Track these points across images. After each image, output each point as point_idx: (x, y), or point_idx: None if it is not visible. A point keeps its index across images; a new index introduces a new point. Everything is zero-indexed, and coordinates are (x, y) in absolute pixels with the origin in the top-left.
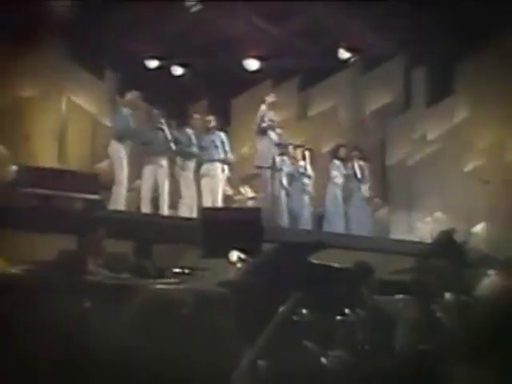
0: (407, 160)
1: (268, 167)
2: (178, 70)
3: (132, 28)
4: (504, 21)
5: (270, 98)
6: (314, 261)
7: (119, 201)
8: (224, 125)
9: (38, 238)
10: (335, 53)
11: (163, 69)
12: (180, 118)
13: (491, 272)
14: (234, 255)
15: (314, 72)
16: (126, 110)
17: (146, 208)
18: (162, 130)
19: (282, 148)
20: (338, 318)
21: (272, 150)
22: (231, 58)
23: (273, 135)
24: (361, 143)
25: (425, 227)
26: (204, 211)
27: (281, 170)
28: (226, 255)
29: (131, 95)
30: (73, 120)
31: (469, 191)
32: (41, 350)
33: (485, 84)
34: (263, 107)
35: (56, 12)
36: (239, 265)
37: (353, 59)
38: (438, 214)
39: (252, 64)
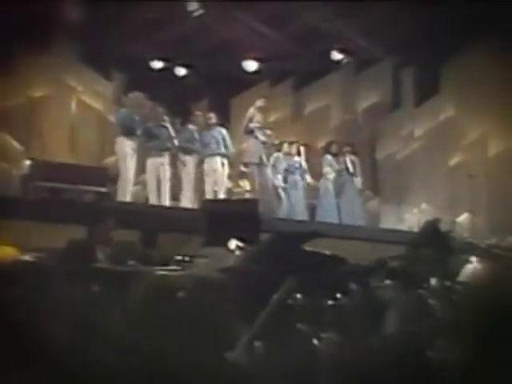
0: (396, 155)
1: (255, 163)
2: (181, 71)
3: (138, 31)
4: (486, 26)
5: (259, 103)
6: (308, 249)
7: (125, 193)
8: (224, 122)
9: (50, 228)
10: (328, 55)
11: (167, 70)
12: (183, 116)
13: (473, 259)
14: (233, 244)
15: (308, 73)
16: (129, 109)
17: (153, 200)
18: (166, 127)
19: (269, 147)
20: (330, 302)
21: (259, 148)
22: (231, 59)
23: (260, 135)
24: (353, 139)
25: (412, 218)
26: (205, 202)
27: (274, 166)
28: (225, 244)
29: (133, 95)
30: (82, 118)
31: (453, 184)
32: (52, 331)
33: (468, 85)
34: (252, 110)
35: (67, 16)
36: (238, 253)
37: (345, 61)
38: (425, 206)
39: (251, 65)
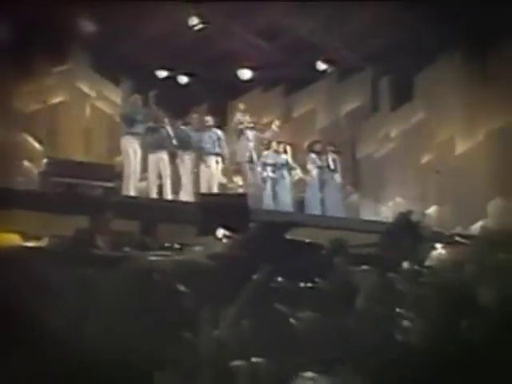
0: (374, 154)
1: (246, 161)
2: (183, 79)
3: (145, 44)
4: (454, 39)
5: (241, 106)
6: (290, 237)
7: (130, 188)
8: (221, 124)
9: (63, 218)
10: (314, 65)
11: (171, 78)
12: (184, 119)
13: (438, 246)
14: (220, 232)
15: (296, 81)
16: (131, 109)
17: (153, 194)
18: (165, 128)
19: (259, 145)
20: (309, 285)
21: (249, 147)
22: (228, 68)
23: (249, 134)
24: (336, 140)
25: (388, 210)
26: (200, 196)
27: (263, 162)
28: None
29: (133, 97)
30: (95, 121)
31: (424, 180)
32: (51, 313)
33: (438, 92)
34: (238, 115)
35: (81, 30)
36: (225, 240)
37: (329, 70)
38: (399, 199)
39: (245, 73)
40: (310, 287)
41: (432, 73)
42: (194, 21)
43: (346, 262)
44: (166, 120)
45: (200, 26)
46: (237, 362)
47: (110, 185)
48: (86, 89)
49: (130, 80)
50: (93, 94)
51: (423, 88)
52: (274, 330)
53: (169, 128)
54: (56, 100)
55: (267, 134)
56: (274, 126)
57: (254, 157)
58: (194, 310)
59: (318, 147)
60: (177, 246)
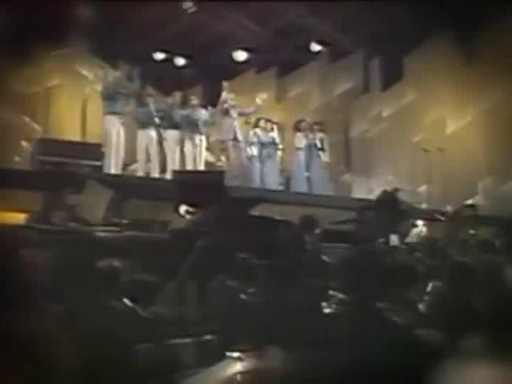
0: (366, 134)
1: (230, 140)
2: (180, 61)
3: (142, 27)
4: (442, 21)
5: (225, 84)
6: (255, 213)
7: (112, 166)
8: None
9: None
10: (308, 47)
11: (168, 60)
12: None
13: (419, 223)
14: (183, 209)
15: (291, 62)
16: (114, 87)
17: (141, 172)
18: (149, 106)
19: (246, 123)
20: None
21: (233, 126)
22: (223, 50)
23: (233, 113)
24: (328, 120)
25: (380, 189)
26: (175, 173)
27: (251, 140)
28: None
29: (116, 75)
30: (93, 103)
31: (415, 159)
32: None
33: (429, 72)
34: (223, 94)
35: (80, 14)
36: (188, 217)
37: (322, 51)
38: (391, 178)
39: (240, 55)
40: (265, 264)
41: (422, 54)
42: (187, 4)
43: (316, 239)
44: (150, 99)
45: (193, 9)
46: (177, 339)
47: (97, 163)
48: (84, 72)
49: (126, 63)
50: (91, 76)
51: (414, 69)
52: (222, 305)
53: (152, 106)
54: (55, 82)
55: (250, 108)
56: (259, 100)
57: (239, 135)
58: (129, 284)
59: (303, 126)
60: (125, 221)
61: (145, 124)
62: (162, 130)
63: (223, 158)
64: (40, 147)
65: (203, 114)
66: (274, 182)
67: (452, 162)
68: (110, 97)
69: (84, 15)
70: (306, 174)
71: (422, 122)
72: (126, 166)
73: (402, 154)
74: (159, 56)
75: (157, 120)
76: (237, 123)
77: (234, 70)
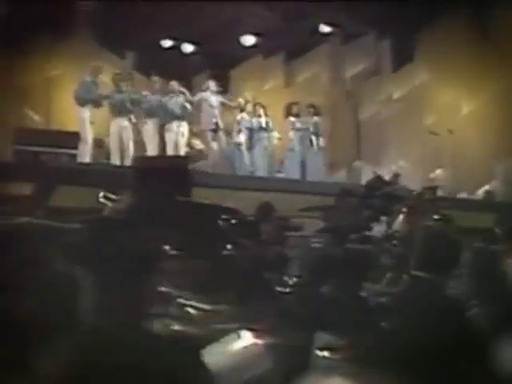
0: (377, 116)
1: (210, 129)
2: (188, 48)
3: (148, 15)
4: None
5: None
6: (182, 199)
7: (84, 155)
8: (223, 92)
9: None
10: (317, 29)
11: (175, 48)
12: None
13: (404, 209)
14: (101, 195)
15: (300, 46)
16: (88, 78)
17: (115, 160)
18: (124, 92)
19: (230, 108)
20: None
21: (213, 114)
22: (231, 36)
23: (213, 100)
24: (338, 103)
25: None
26: (135, 159)
27: (238, 125)
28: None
29: (93, 65)
30: None
31: (428, 142)
32: None
33: (440, 53)
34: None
35: (84, 2)
36: (109, 204)
37: (332, 33)
38: (402, 163)
39: (248, 39)
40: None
41: (434, 34)
42: None
43: (273, 228)
44: (122, 84)
45: None
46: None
47: (75, 152)
48: (88, 61)
49: (133, 51)
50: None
51: (425, 50)
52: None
53: (125, 93)
54: (56, 72)
55: (232, 103)
56: (242, 100)
57: (220, 123)
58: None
59: (295, 109)
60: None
61: (119, 111)
62: (137, 117)
63: (214, 145)
64: (17, 136)
65: (183, 100)
66: (263, 168)
67: (467, 146)
68: (80, 99)
69: (88, 3)
70: (299, 159)
71: (435, 104)
72: None
73: (413, 138)
74: (166, 43)
75: (128, 105)
76: (217, 112)
77: (241, 56)
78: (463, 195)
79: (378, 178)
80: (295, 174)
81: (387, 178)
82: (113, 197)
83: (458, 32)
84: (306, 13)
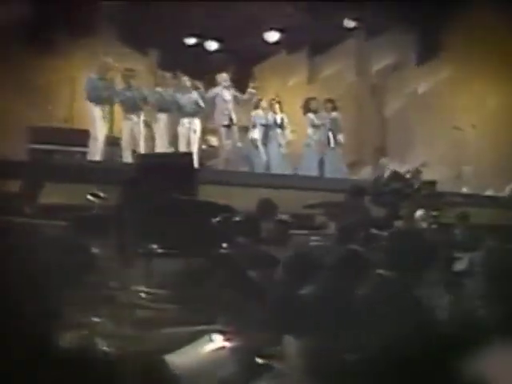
0: (402, 112)
1: (224, 125)
2: (212, 45)
3: (172, 13)
4: None
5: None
6: (176, 197)
7: (96, 153)
8: (245, 89)
9: None
10: (342, 25)
11: (199, 45)
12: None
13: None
14: (89, 193)
15: (324, 41)
16: (94, 75)
17: (126, 158)
18: (137, 89)
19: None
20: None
21: (227, 110)
22: (254, 31)
23: (226, 95)
24: (363, 99)
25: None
26: (138, 157)
27: (253, 121)
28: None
29: (101, 62)
30: None
31: (453, 139)
32: None
33: (467, 47)
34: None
35: (108, 3)
36: (97, 201)
37: (357, 28)
38: (425, 159)
39: (272, 36)
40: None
41: (460, 28)
42: None
43: (275, 225)
44: (132, 81)
45: None
46: None
47: (85, 150)
48: (110, 60)
49: (156, 49)
50: (117, 64)
51: (451, 44)
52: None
53: (135, 90)
54: (80, 71)
55: (244, 96)
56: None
57: (234, 118)
58: None
59: (314, 105)
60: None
61: (130, 109)
62: (147, 113)
63: (228, 142)
64: (31, 135)
65: (197, 96)
66: (279, 165)
67: (493, 143)
68: (93, 86)
69: (112, 3)
70: (318, 157)
71: (462, 99)
72: None
73: (438, 134)
74: (190, 41)
75: (140, 103)
76: (231, 106)
77: (265, 52)
78: (489, 192)
79: (395, 174)
80: (313, 171)
81: (408, 174)
82: (100, 194)
83: (484, 26)
84: (330, 8)
